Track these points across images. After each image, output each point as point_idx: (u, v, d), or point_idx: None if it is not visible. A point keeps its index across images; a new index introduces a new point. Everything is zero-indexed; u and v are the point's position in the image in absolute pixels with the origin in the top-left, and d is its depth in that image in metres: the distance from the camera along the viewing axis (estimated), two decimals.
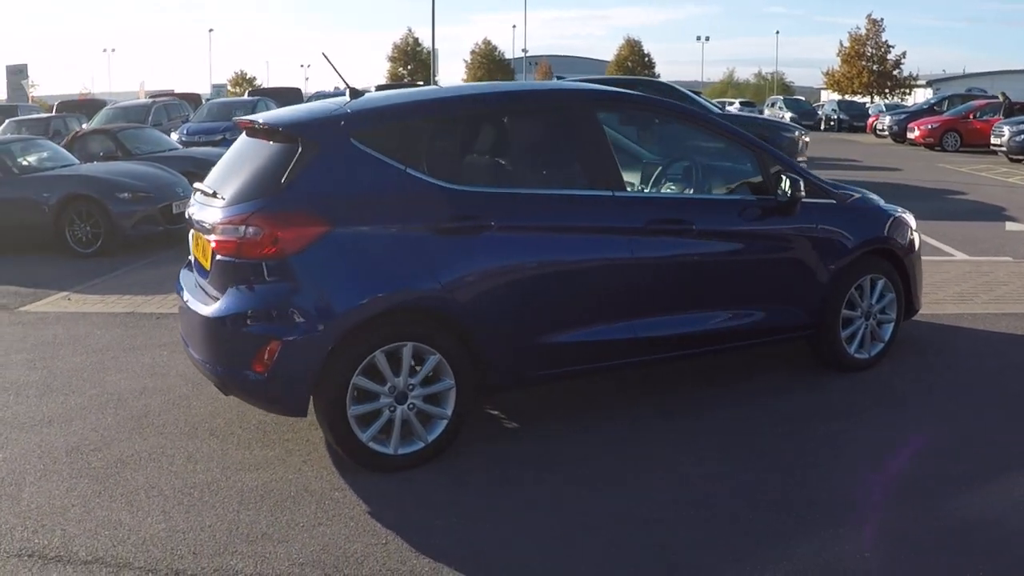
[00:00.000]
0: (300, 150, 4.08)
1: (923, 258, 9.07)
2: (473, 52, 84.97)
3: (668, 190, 5.21)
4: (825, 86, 63.91)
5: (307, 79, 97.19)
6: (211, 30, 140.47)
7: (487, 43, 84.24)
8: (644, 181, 5.40)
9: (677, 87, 16.01)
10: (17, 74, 54.50)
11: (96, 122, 22.62)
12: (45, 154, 11.63)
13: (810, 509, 3.79)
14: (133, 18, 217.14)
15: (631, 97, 5.43)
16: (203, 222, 4.31)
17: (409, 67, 78.99)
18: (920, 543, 3.49)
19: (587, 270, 4.51)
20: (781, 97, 49.62)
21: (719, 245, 4.94)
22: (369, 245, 4.04)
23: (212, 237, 4.17)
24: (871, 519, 3.70)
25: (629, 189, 5.41)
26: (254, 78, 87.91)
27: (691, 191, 5.21)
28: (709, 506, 3.85)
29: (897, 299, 5.63)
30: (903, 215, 5.84)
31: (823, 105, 47.98)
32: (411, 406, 4.15)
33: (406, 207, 4.12)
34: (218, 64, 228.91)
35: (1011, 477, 4.06)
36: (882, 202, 5.89)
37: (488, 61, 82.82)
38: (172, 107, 25.09)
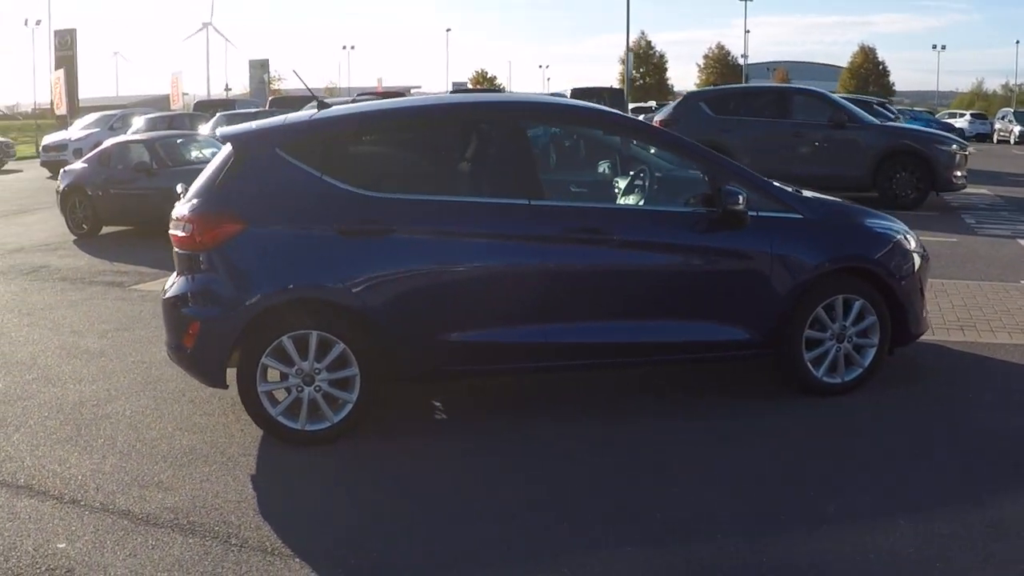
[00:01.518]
0: (233, 158, 4.85)
1: None
2: (706, 56, 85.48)
3: (596, 199, 5.46)
4: None
5: (548, 79, 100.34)
6: (448, 30, 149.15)
7: (720, 47, 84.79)
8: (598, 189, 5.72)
9: (830, 95, 15.71)
10: (259, 68, 60.17)
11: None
12: (205, 149, 13.29)
13: (635, 528, 3.92)
14: (371, 17, 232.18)
15: (564, 108, 5.75)
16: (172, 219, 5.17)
17: (641, 69, 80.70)
18: None
19: (498, 274, 4.92)
20: (1011, 110, 46.05)
21: (644, 256, 5.12)
22: (281, 243, 4.74)
23: (171, 232, 5.02)
24: (688, 549, 3.75)
25: (633, 203, 5.67)
26: (494, 77, 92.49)
27: (638, 201, 5.45)
28: (544, 511, 4.11)
29: (882, 323, 5.48)
30: (896, 236, 5.67)
31: None
32: (317, 388, 4.79)
33: (318, 210, 4.77)
34: (460, 63, 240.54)
35: (869, 524, 3.95)
36: (880, 221, 5.76)
37: (721, 66, 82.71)
38: None
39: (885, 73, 79.76)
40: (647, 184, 5.61)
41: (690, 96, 16.08)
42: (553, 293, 5.00)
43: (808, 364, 5.42)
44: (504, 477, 4.51)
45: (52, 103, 43.83)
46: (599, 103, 28.47)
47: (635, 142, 5.73)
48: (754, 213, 5.22)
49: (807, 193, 5.84)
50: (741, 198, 5.07)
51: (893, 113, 21.52)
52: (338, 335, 4.75)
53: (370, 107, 5.58)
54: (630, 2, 36.54)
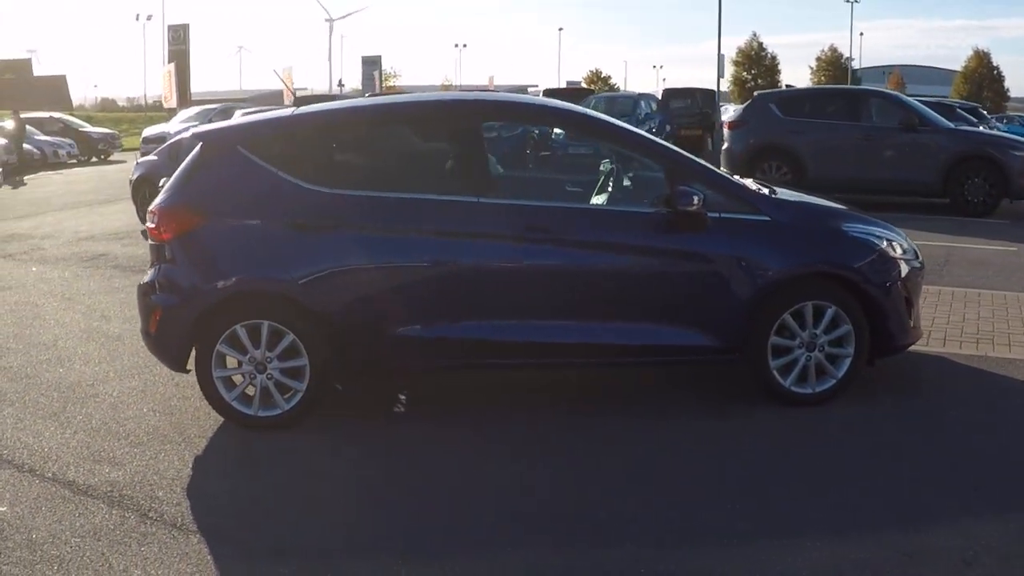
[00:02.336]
0: (199, 155, 5.18)
1: None
2: (818, 59, 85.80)
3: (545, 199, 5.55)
4: None
5: (663, 79, 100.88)
6: (561, 29, 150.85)
7: (833, 50, 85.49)
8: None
9: (903, 97, 15.37)
10: (371, 65, 61.69)
11: None
12: None
13: (547, 528, 4.06)
14: (484, 15, 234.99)
15: (516, 106, 5.89)
16: None
17: (752, 71, 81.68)
18: None
19: (445, 271, 5.08)
20: None
21: (596, 256, 5.17)
22: (236, 235, 5.05)
23: (146, 224, 5.39)
24: (584, 553, 3.84)
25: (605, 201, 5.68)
26: (608, 76, 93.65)
27: (604, 201, 5.52)
28: (457, 508, 4.27)
29: (857, 332, 5.35)
30: (876, 241, 5.51)
31: None
32: (269, 376, 5.07)
33: (273, 205, 5.05)
34: (574, 62, 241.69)
35: (777, 543, 3.89)
36: (860, 225, 5.61)
37: (833, 68, 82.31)
38: None
39: (999, 78, 78.65)
40: (616, 183, 5.68)
41: (760, 97, 15.88)
42: (502, 291, 5.12)
43: (775, 372, 5.36)
44: (436, 472, 4.68)
45: (163, 96, 45.94)
46: (691, 103, 28.00)
47: (592, 139, 5.83)
48: (715, 215, 5.21)
49: (784, 194, 5.81)
50: (696, 199, 5.06)
51: (986, 117, 20.65)
52: (288, 326, 5.02)
53: (329, 106, 5.85)
54: (721, 4, 36.02)
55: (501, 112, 5.80)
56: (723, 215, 5.24)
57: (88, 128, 33.61)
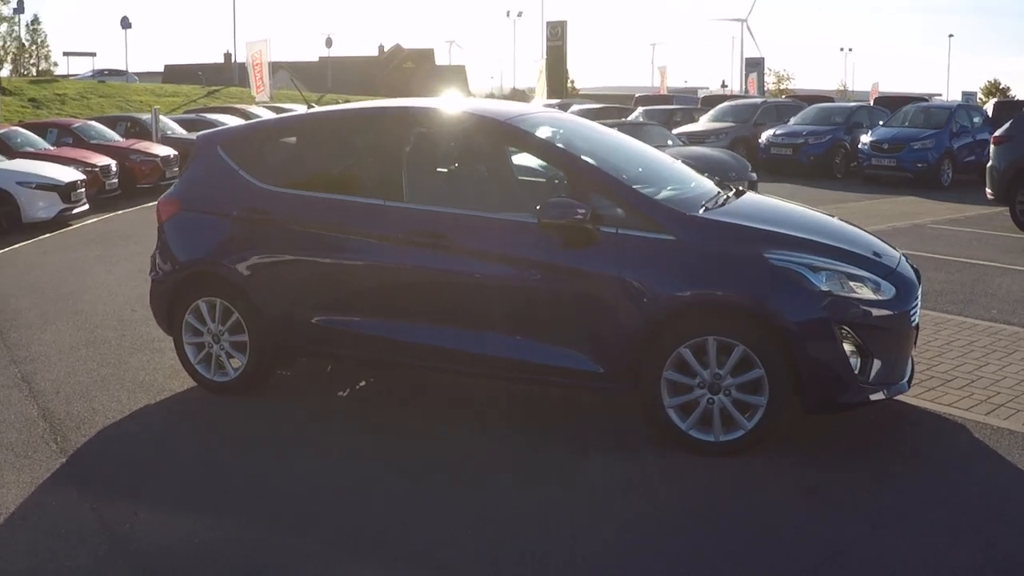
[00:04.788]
0: (193, 153, 6.56)
1: None
2: None
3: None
4: None
5: None
6: (951, 36, 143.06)
7: None
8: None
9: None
10: (752, 67, 61.98)
11: (707, 117, 26.39)
12: None
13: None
14: (870, 20, 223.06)
15: (443, 115, 6.31)
16: None
17: None
18: None
19: (350, 268, 5.86)
20: None
21: (484, 266, 5.48)
22: (198, 224, 6.34)
23: None
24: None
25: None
26: (1007, 88, 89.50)
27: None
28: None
29: (771, 379, 4.94)
30: (813, 277, 5.00)
31: None
32: (222, 347, 6.29)
33: (230, 198, 6.24)
34: (970, 70, 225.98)
35: None
36: (796, 256, 5.10)
37: None
38: (783, 108, 27.44)
39: None
40: (533, 192, 6.12)
41: None
42: (397, 292, 5.73)
43: (670, 412, 5.15)
44: (311, 458, 5.34)
45: (537, 89, 49.59)
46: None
47: (511, 147, 6.39)
48: (612, 230, 5.20)
49: (726, 212, 5.56)
50: (580, 211, 5.10)
51: None
52: (233, 305, 6.18)
53: (290, 115, 6.92)
54: None
55: (421, 120, 6.32)
56: (620, 231, 5.21)
57: None
